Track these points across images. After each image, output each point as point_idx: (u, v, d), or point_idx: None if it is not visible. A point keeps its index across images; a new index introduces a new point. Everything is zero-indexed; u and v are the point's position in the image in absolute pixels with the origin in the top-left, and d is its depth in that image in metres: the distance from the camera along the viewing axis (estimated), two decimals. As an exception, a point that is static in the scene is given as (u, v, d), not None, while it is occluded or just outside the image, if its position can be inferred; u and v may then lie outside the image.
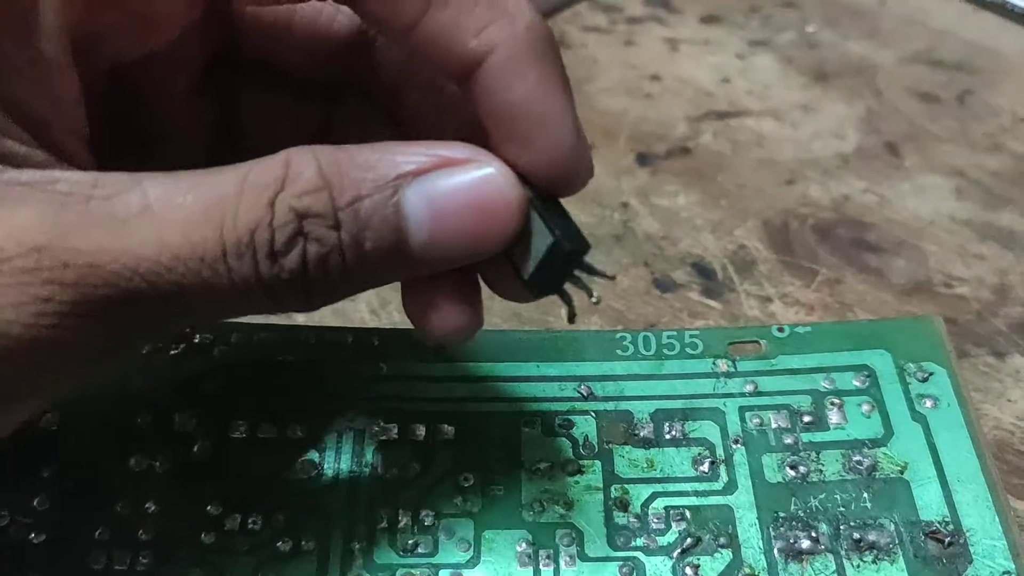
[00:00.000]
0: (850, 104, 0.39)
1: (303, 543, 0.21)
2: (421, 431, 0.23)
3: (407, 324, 0.28)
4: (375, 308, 0.30)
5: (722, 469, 0.22)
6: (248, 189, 0.16)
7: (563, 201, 0.18)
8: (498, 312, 0.30)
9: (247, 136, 0.21)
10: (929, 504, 0.21)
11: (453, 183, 0.17)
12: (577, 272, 0.18)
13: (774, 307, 0.31)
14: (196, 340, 0.24)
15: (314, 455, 0.22)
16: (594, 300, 0.18)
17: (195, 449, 0.22)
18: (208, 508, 0.21)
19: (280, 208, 0.16)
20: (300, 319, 0.29)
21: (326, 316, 0.29)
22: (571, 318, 0.19)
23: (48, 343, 0.15)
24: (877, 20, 0.44)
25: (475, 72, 0.17)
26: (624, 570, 0.21)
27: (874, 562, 0.20)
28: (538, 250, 0.17)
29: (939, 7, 0.46)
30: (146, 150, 0.19)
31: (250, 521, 0.21)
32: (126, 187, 0.16)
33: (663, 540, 0.21)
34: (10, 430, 0.17)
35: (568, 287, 0.18)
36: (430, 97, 0.20)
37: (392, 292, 0.30)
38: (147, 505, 0.21)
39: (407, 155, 0.17)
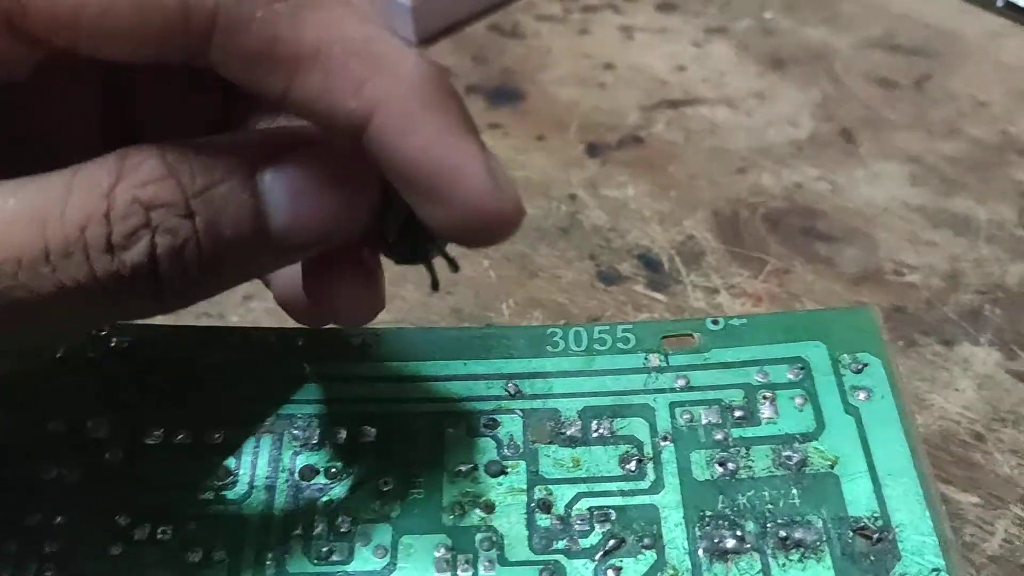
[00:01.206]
0: (806, 91, 0.39)
1: (214, 553, 0.20)
2: (342, 434, 0.22)
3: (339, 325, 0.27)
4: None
5: (649, 467, 0.22)
6: (78, 183, 0.15)
7: None
8: (436, 310, 0.29)
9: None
10: (859, 499, 0.21)
11: (312, 166, 0.16)
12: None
13: (721, 298, 0.30)
14: (113, 343, 0.23)
15: (231, 461, 0.22)
16: (453, 271, 0.18)
17: (106, 456, 0.22)
18: (117, 518, 0.21)
19: (120, 199, 0.15)
20: (234, 319, 0.29)
21: (261, 317, 0.29)
22: (434, 285, 0.19)
23: None
24: (836, 5, 0.44)
25: (363, 134, 0.15)
26: (544, 574, 0.20)
27: (800, 560, 0.20)
28: (398, 220, 0.17)
29: (899, -10, 0.45)
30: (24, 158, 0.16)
31: (160, 531, 0.21)
32: None
33: (586, 542, 0.21)
34: None
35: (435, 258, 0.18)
36: None
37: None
38: (56, 516, 0.21)
39: (261, 140, 0.16)
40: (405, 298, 0.30)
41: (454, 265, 0.18)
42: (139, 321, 0.26)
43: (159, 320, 0.27)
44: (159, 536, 0.20)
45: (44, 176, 0.15)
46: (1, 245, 0.14)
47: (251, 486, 0.21)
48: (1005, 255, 0.32)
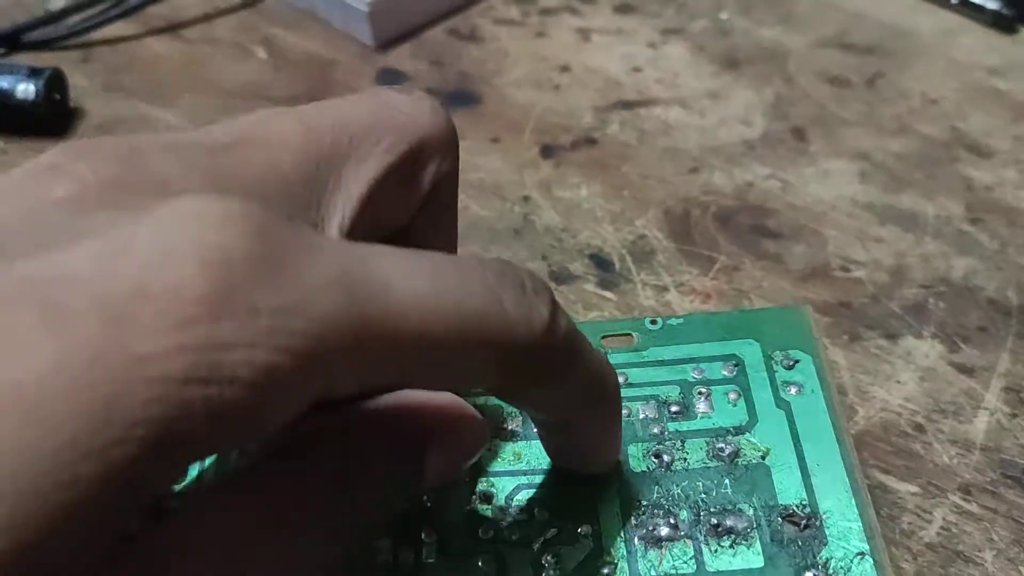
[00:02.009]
0: (759, 90, 0.39)
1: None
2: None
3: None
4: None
5: (587, 461, 0.22)
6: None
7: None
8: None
9: None
10: (788, 488, 0.21)
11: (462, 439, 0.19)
12: None
13: (670, 296, 0.31)
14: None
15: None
16: None
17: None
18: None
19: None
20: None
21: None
22: None
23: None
24: (792, 5, 0.44)
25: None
26: (486, 562, 0.21)
27: (731, 546, 0.20)
28: None
29: (854, -11, 0.46)
30: None
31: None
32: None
33: (526, 531, 0.21)
34: None
35: None
36: None
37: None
38: None
39: (432, 415, 0.18)
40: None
41: None
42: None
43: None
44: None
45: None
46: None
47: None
48: (950, 249, 0.32)
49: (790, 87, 0.40)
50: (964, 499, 0.25)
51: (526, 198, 0.34)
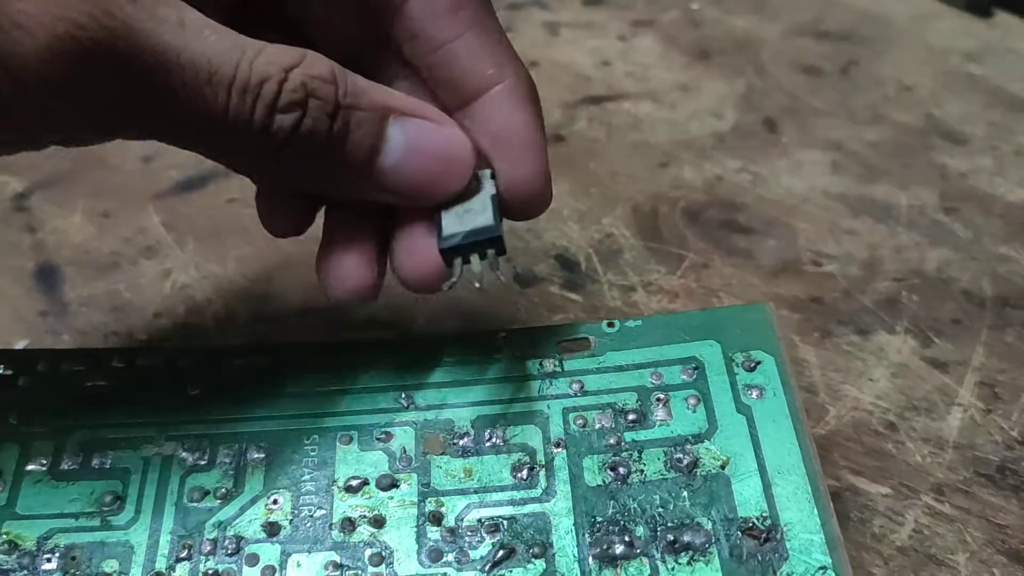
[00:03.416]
0: (730, 82, 0.39)
1: (98, 580, 0.20)
2: (231, 453, 0.22)
3: (252, 335, 0.27)
4: (222, 322, 0.29)
5: (541, 475, 0.21)
6: (269, 51, 0.18)
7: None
8: (351, 322, 0.29)
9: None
10: (748, 499, 0.20)
11: (429, 132, 0.20)
12: (478, 257, 0.20)
13: (637, 296, 0.30)
14: (3, 372, 0.23)
15: (117, 485, 0.21)
16: (478, 285, 0.20)
17: (-10, 486, 0.21)
18: (-3, 549, 0.20)
19: (294, 77, 0.18)
20: (143, 336, 0.28)
21: (168, 333, 0.28)
22: (450, 287, 0.21)
23: (44, 64, 0.16)
24: (764, -7, 0.44)
25: (481, 95, 0.21)
26: (433, 587, 0.20)
27: (689, 563, 0.20)
28: (474, 222, 0.20)
29: (829, -24, 0.45)
30: None
31: (45, 558, 0.20)
32: (196, 15, 0.18)
33: (476, 553, 0.20)
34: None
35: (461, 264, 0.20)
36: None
37: (240, 305, 0.29)
38: (-64, 549, 0.20)
39: (400, 96, 0.20)
40: (320, 309, 0.29)
41: (479, 280, 0.21)
42: (19, 346, 0.26)
43: (45, 344, 0.27)
44: (45, 565, 0.20)
45: (240, 36, 0.18)
46: (204, 59, 0.18)
47: (137, 510, 0.21)
48: (924, 240, 0.31)
49: (762, 77, 0.39)
50: (937, 500, 0.24)
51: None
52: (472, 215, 0.21)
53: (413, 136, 0.20)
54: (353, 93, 0.19)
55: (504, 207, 0.21)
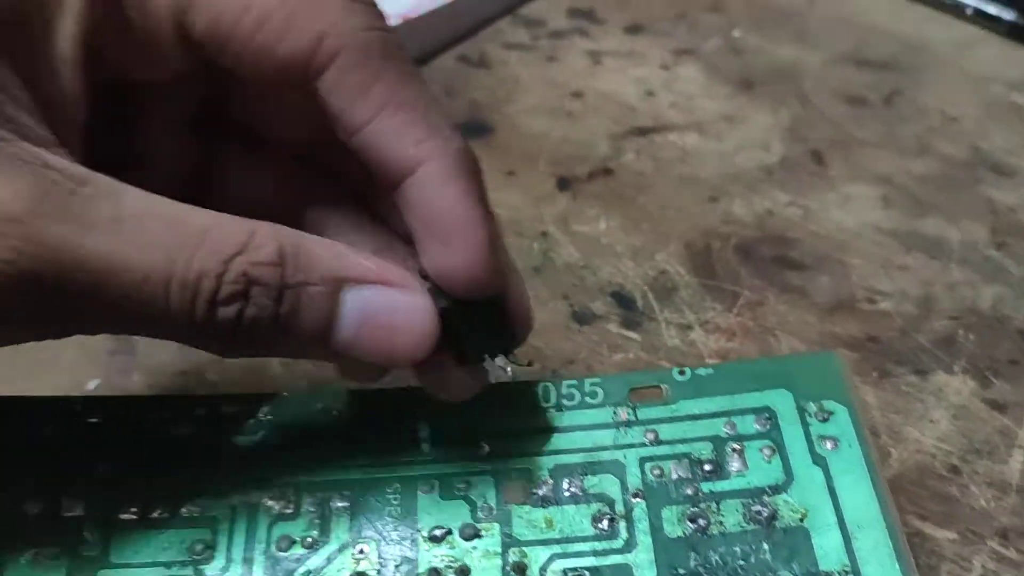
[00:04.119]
0: (775, 112, 0.39)
1: (192, 631, 0.20)
2: (316, 501, 0.22)
3: (318, 375, 0.27)
4: (287, 361, 0.29)
5: (621, 525, 0.22)
6: (210, 240, 0.18)
7: None
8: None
9: (221, 181, 0.23)
10: (829, 553, 0.21)
11: (387, 302, 0.19)
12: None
13: (694, 335, 0.30)
14: (90, 420, 0.23)
15: (206, 533, 0.22)
16: (511, 378, 0.22)
17: (83, 534, 0.22)
18: (93, 600, 0.21)
19: (234, 268, 0.18)
20: (211, 376, 0.29)
21: (236, 372, 0.29)
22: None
23: None
24: (805, 21, 0.44)
25: (408, 177, 0.20)
26: (520, 640, 0.20)
27: (773, 618, 0.20)
28: (475, 346, 0.21)
29: (868, 2, 0.45)
30: (124, 166, 0.20)
31: (139, 610, 0.21)
32: (107, 193, 0.18)
33: (561, 605, 0.21)
34: None
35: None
36: (382, 196, 0.22)
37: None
38: (32, 599, 0.21)
39: (356, 263, 0.19)
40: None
41: (504, 370, 0.22)
42: (91, 385, 0.27)
43: (115, 383, 0.28)
44: (136, 618, 0.21)
45: (185, 212, 0.18)
46: (140, 261, 0.17)
47: (228, 559, 0.22)
48: (977, 277, 0.32)
49: (807, 108, 0.39)
50: (1002, 544, 0.25)
51: (544, 233, 0.34)
52: (485, 333, 0.21)
53: (369, 307, 0.19)
54: (305, 268, 0.19)
55: (447, 291, 0.20)
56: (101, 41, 0.19)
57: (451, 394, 0.22)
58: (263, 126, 0.23)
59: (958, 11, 0.44)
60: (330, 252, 0.19)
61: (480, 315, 0.21)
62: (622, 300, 0.31)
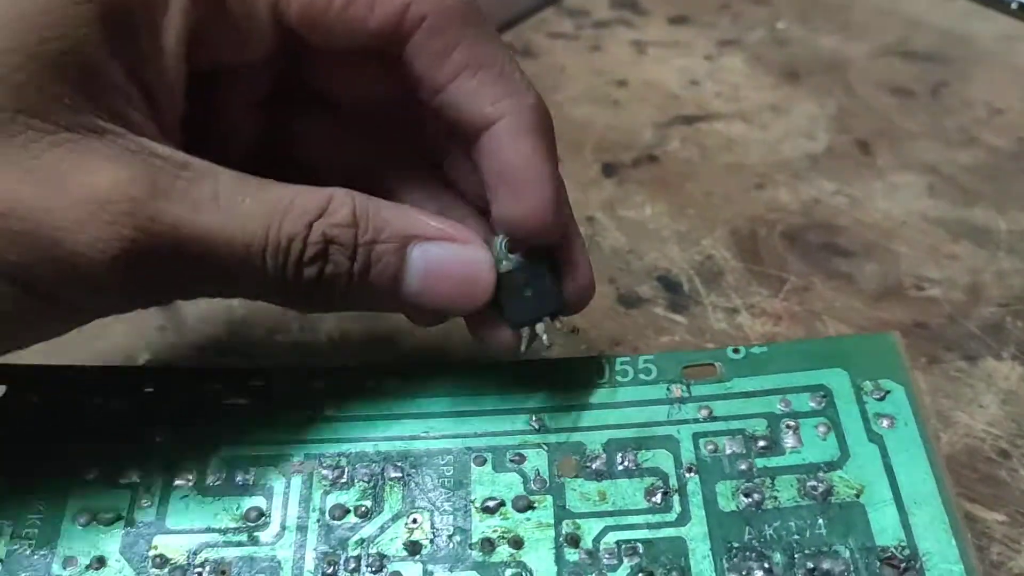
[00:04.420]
0: (821, 102, 0.39)
1: (248, 595, 0.21)
2: (369, 472, 0.22)
3: (365, 351, 0.28)
4: (335, 339, 0.29)
5: (675, 499, 0.22)
6: (295, 208, 0.20)
7: None
8: (458, 341, 0.29)
9: (296, 150, 0.25)
10: (885, 528, 0.21)
11: (449, 256, 0.21)
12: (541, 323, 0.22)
13: (741, 319, 0.30)
14: (146, 389, 0.24)
15: (261, 501, 0.22)
16: (547, 345, 0.22)
17: (140, 501, 0.22)
18: (150, 568, 0.21)
19: (315, 230, 0.20)
20: (259, 353, 0.29)
21: (285, 349, 0.29)
22: (525, 349, 0.23)
23: (110, 273, 0.18)
24: (849, 12, 0.44)
25: (483, 133, 0.21)
26: (574, 609, 0.20)
27: (829, 591, 0.20)
28: (524, 308, 0.22)
29: (913, -5, 0.45)
30: (208, 142, 0.22)
31: (196, 572, 0.21)
32: (205, 174, 0.20)
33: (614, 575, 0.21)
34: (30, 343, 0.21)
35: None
36: (458, 161, 0.24)
37: (352, 323, 0.30)
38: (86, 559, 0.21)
39: (422, 222, 0.21)
40: (427, 329, 0.30)
41: (562, 312, 0.23)
42: (142, 361, 0.27)
43: (165, 358, 0.28)
44: (194, 580, 0.21)
45: (271, 187, 0.20)
46: (240, 232, 0.19)
47: (283, 526, 0.22)
48: (1026, 266, 0.32)
49: (852, 98, 0.39)
50: (1054, 529, 0.24)
51: (590, 219, 0.34)
52: (534, 293, 0.22)
53: (433, 261, 0.21)
54: (376, 228, 0.20)
55: (513, 243, 0.22)
56: (203, 35, 0.21)
57: (497, 351, 0.23)
58: (340, 95, 0.24)
59: (1002, 5, 0.44)
60: (398, 212, 0.21)
61: (537, 276, 0.22)
62: (668, 284, 0.31)
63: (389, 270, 0.21)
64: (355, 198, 0.20)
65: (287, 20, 0.21)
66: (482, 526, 0.22)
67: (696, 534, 0.21)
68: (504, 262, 0.22)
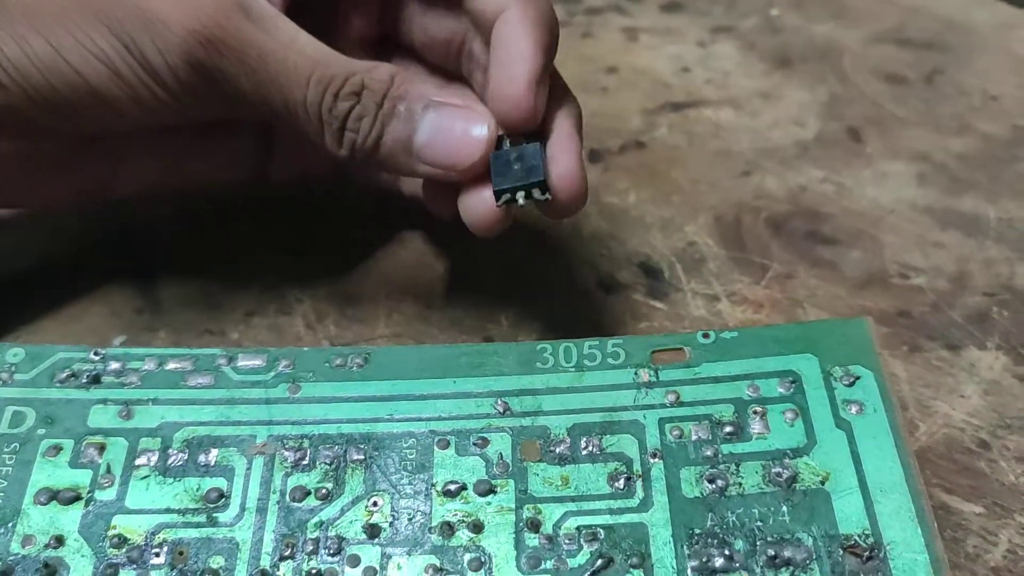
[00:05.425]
0: (812, 89, 0.38)
1: (205, 576, 0.20)
2: (331, 454, 0.22)
3: (339, 338, 0.27)
4: (311, 322, 0.29)
5: (638, 485, 0.21)
6: (343, 59, 0.24)
7: None
8: (435, 322, 0.29)
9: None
10: (850, 516, 0.20)
11: (455, 115, 0.24)
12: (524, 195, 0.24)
13: (721, 305, 0.30)
14: (106, 366, 0.24)
15: (222, 482, 0.22)
16: (521, 205, 0.24)
17: (100, 480, 0.22)
18: (108, 548, 0.21)
19: (356, 77, 0.24)
20: (234, 335, 0.29)
21: (261, 333, 0.29)
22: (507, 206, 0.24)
23: (184, 49, 0.23)
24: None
25: (495, 22, 0.25)
26: (532, 595, 0.20)
27: (789, 579, 0.20)
28: (510, 176, 0.24)
29: (911, -18, 0.44)
30: None
31: (153, 552, 0.21)
32: (287, 23, 0.24)
33: (574, 562, 0.20)
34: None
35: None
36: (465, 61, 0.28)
37: (328, 306, 0.29)
38: (45, 537, 0.21)
39: (445, 94, 0.25)
40: (403, 311, 0.30)
41: (543, 189, 0.24)
42: (117, 342, 0.27)
43: (141, 341, 0.28)
44: (152, 560, 0.21)
45: (335, 53, 0.24)
46: (293, 59, 0.23)
47: (242, 507, 0.22)
48: (1014, 254, 0.31)
49: (845, 85, 0.38)
50: (1032, 521, 0.24)
51: (573, 205, 0.33)
52: (521, 166, 0.24)
53: (442, 119, 0.24)
54: (404, 89, 0.24)
55: (501, 123, 0.24)
56: None
57: (477, 220, 0.25)
58: (417, 34, 0.29)
59: (1003, -7, 0.43)
60: (423, 85, 0.25)
61: (526, 154, 0.24)
62: (649, 270, 0.31)
63: (406, 121, 0.24)
64: (396, 70, 0.24)
65: None
66: (442, 510, 0.21)
67: (658, 520, 0.21)
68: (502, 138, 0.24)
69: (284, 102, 0.24)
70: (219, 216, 0.32)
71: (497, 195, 0.24)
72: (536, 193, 0.24)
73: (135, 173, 0.28)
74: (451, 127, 0.24)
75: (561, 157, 0.24)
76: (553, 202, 0.24)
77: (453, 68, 0.29)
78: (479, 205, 0.24)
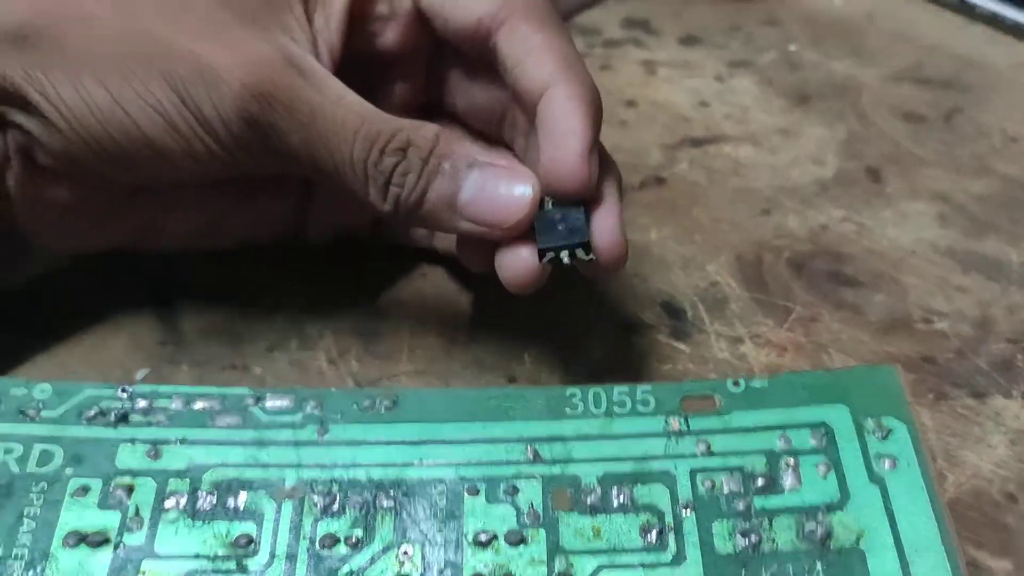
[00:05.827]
0: (831, 127, 0.38)
1: (234, 625, 0.20)
2: (361, 500, 0.22)
3: (363, 374, 0.27)
4: (333, 357, 0.29)
5: (671, 538, 0.21)
6: (389, 118, 0.24)
7: None
8: (458, 359, 0.29)
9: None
10: (885, 576, 0.20)
11: (499, 183, 0.24)
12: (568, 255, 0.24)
13: (745, 348, 0.30)
14: (128, 407, 0.23)
15: (251, 527, 0.22)
16: (567, 263, 0.24)
17: (128, 524, 0.22)
18: (137, 590, 0.21)
19: (402, 134, 0.24)
20: (257, 370, 0.29)
21: (283, 366, 0.29)
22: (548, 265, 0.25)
23: (238, 103, 0.23)
24: (863, 37, 0.43)
25: (541, 98, 0.25)
26: (565, 650, 0.20)
27: (826, 639, 0.19)
28: (554, 236, 0.24)
29: (928, 20, 0.45)
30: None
31: (181, 601, 0.21)
32: (335, 82, 0.25)
33: (607, 616, 0.20)
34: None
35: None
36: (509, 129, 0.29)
37: (352, 339, 0.29)
38: (77, 585, 0.21)
39: (488, 155, 0.26)
40: (426, 347, 0.30)
41: (587, 249, 0.24)
42: (139, 375, 0.27)
43: (164, 374, 0.28)
44: (179, 609, 0.20)
45: (381, 112, 0.25)
46: (341, 115, 0.24)
47: (272, 554, 0.21)
48: (1037, 300, 0.31)
49: (863, 123, 0.39)
50: (1060, 576, 0.24)
51: (594, 242, 0.33)
52: (565, 227, 0.24)
53: (487, 180, 0.24)
54: (449, 147, 0.24)
55: (549, 190, 0.25)
56: (359, 12, 0.26)
57: (517, 277, 0.25)
58: (463, 102, 0.29)
59: (1019, 32, 0.43)
60: (468, 145, 0.26)
61: (570, 216, 0.24)
62: (672, 310, 0.31)
63: (450, 179, 0.24)
64: (441, 129, 0.25)
65: (421, 6, 0.27)
66: (473, 560, 0.21)
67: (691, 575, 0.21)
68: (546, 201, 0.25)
69: (331, 157, 0.24)
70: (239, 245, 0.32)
71: (541, 253, 0.24)
72: (580, 253, 0.24)
73: (179, 226, 0.28)
74: (495, 186, 0.24)
75: (605, 219, 0.25)
76: (596, 263, 0.24)
77: (495, 133, 0.29)
78: (518, 263, 0.24)
